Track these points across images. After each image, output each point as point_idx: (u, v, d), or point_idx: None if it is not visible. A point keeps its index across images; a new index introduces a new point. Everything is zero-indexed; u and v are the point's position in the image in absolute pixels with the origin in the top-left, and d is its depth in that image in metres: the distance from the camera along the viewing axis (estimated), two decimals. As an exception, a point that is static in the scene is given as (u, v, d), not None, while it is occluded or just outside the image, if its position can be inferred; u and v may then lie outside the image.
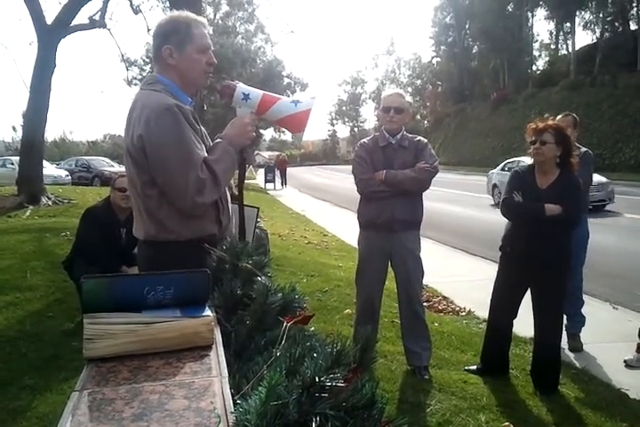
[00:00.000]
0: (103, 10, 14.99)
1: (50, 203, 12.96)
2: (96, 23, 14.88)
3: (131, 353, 1.25)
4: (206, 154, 2.13)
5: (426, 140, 4.06)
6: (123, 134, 2.31)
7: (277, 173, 31.87)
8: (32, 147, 13.41)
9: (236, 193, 2.71)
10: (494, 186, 16.80)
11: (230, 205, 2.37)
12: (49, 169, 21.52)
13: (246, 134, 2.25)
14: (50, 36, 13.27)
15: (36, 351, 4.19)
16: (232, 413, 0.97)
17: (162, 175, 2.07)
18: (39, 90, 13.31)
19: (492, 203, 16.00)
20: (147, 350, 1.26)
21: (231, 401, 1.03)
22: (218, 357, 1.26)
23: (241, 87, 2.26)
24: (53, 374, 3.78)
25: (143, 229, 2.21)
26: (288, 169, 33.69)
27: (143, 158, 2.08)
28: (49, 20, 13.42)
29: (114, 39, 35.13)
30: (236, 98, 2.25)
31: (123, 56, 20.14)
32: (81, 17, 16.06)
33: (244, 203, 2.71)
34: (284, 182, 31.60)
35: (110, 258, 4.52)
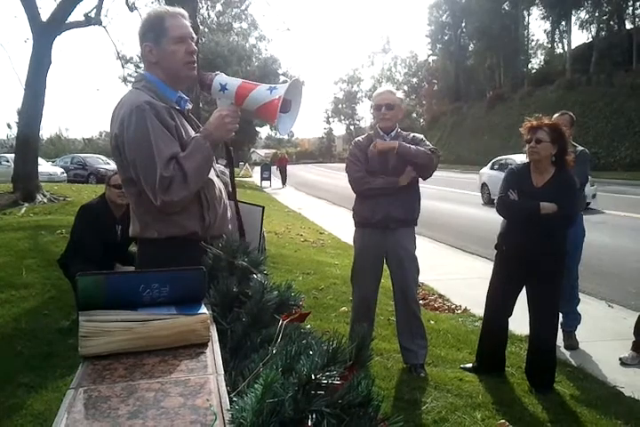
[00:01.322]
0: (99, 7, 14.94)
1: (45, 200, 12.93)
2: (92, 20, 14.83)
3: (126, 351, 1.25)
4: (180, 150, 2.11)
5: (421, 136, 4.05)
6: None
7: (277, 171, 30.50)
8: (27, 144, 13.37)
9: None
10: (484, 185, 16.70)
11: (225, 202, 2.34)
12: (44, 166, 21.48)
13: (224, 127, 2.16)
14: (45, 33, 13.22)
15: (31, 349, 4.18)
16: (228, 410, 0.97)
17: (134, 174, 2.08)
18: (34, 87, 13.26)
19: (482, 202, 16.04)
20: (142, 348, 1.26)
21: (227, 399, 1.03)
22: (214, 354, 1.25)
23: (219, 78, 2.17)
24: (49, 372, 3.78)
25: (132, 226, 2.26)
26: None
27: (119, 157, 2.12)
28: (44, 17, 13.38)
29: (109, 37, 35.13)
30: (213, 89, 2.16)
31: (118, 53, 20.14)
32: (76, 14, 16.00)
33: (247, 201, 2.71)
34: (284, 181, 29.70)
35: (106, 255, 4.51)
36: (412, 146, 3.84)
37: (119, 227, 4.62)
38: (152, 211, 2.11)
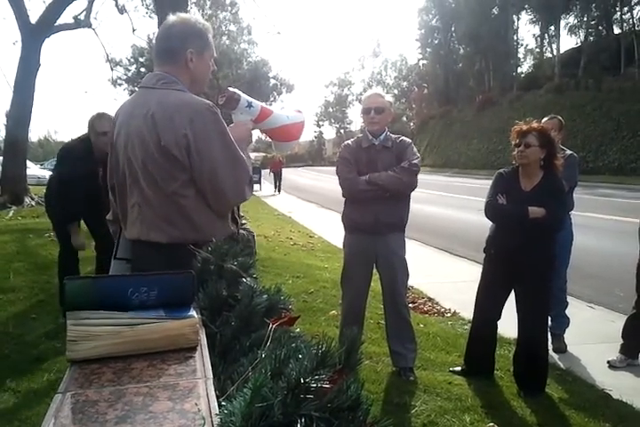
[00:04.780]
0: (88, 9, 14.93)
1: (33, 203, 12.88)
2: (81, 23, 14.82)
3: (114, 355, 1.24)
4: None
5: (410, 140, 4.06)
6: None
7: (270, 175, 27.62)
8: (15, 147, 13.31)
9: None
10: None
11: None
12: (33, 169, 21.40)
13: (250, 139, 2.40)
14: (34, 35, 13.18)
15: (18, 353, 4.15)
16: (217, 414, 0.97)
17: (208, 175, 2.10)
18: (23, 89, 13.22)
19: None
20: (131, 352, 1.25)
21: (216, 403, 1.03)
22: (202, 358, 1.25)
23: (244, 95, 2.38)
24: (36, 376, 3.75)
25: (163, 230, 2.14)
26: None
27: (186, 158, 2.07)
28: (33, 19, 13.34)
29: (99, 39, 35.03)
30: (241, 105, 2.36)
31: (108, 56, 20.10)
32: (66, 16, 15.95)
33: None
34: (278, 187, 26.27)
35: (88, 196, 4.50)
36: (383, 174, 3.83)
37: (100, 171, 4.58)
38: (208, 214, 2.16)
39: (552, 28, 45.22)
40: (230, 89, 2.37)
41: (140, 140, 2.12)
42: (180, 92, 2.16)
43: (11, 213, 11.46)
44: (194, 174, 2.09)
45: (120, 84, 40.52)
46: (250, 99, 2.40)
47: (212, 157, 2.08)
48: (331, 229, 11.31)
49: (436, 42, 61.06)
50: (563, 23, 43.59)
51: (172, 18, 2.25)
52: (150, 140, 2.08)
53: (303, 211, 17.45)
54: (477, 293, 4.09)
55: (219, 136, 2.10)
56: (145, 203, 2.17)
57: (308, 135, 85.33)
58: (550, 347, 4.61)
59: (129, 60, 41.05)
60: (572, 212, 4.73)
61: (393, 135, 4.04)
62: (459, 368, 4.16)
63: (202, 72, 2.26)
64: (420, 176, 3.94)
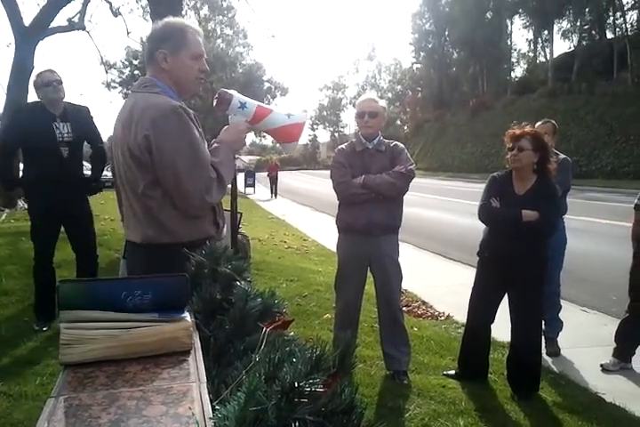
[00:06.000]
0: (82, 12, 14.89)
1: (26, 206, 12.79)
2: (75, 25, 14.78)
3: (108, 358, 1.23)
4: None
5: (402, 146, 4.08)
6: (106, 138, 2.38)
7: (267, 178, 27.07)
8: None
9: None
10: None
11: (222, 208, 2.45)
12: (26, 172, 21.26)
13: (242, 141, 2.37)
14: (28, 37, 13.12)
15: (11, 357, 4.13)
16: (210, 418, 0.96)
17: (170, 175, 2.10)
18: (16, 92, 13.15)
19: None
20: (124, 356, 1.25)
21: (210, 407, 1.03)
22: (196, 362, 1.25)
23: (237, 96, 2.32)
24: (29, 380, 3.72)
25: (140, 231, 2.23)
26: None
27: (148, 158, 2.10)
28: (27, 21, 13.28)
29: (93, 42, 35.00)
30: (232, 106, 2.30)
31: (102, 59, 20.04)
32: (60, 19, 15.93)
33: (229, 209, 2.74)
34: (274, 191, 25.84)
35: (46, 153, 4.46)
36: (378, 177, 3.85)
37: (65, 124, 4.51)
38: (176, 215, 2.17)
39: (545, 32, 45.50)
40: (223, 90, 2.34)
41: (119, 146, 2.21)
42: (154, 94, 2.19)
43: (3, 216, 11.38)
44: (157, 173, 2.12)
45: (114, 87, 40.46)
46: (244, 99, 2.34)
47: (174, 156, 2.09)
48: (325, 232, 11.30)
49: (430, 46, 61.32)
50: (556, 28, 43.94)
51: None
52: (123, 144, 2.17)
53: (297, 214, 17.45)
54: (471, 296, 4.09)
55: (181, 136, 2.11)
56: (128, 205, 2.28)
57: (302, 139, 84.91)
58: (544, 350, 4.62)
59: (123, 63, 40.96)
60: (566, 216, 4.74)
61: (386, 140, 4.06)
62: (452, 372, 4.16)
63: (182, 72, 2.26)
64: (414, 179, 3.95)
